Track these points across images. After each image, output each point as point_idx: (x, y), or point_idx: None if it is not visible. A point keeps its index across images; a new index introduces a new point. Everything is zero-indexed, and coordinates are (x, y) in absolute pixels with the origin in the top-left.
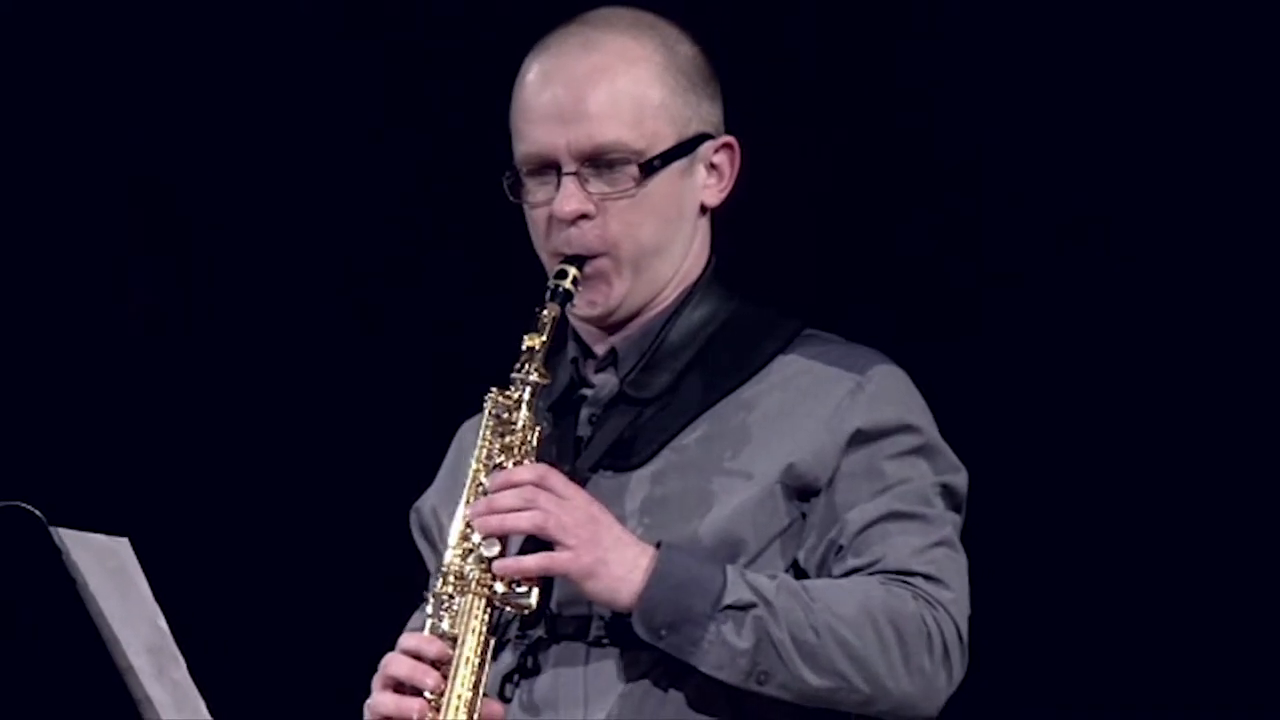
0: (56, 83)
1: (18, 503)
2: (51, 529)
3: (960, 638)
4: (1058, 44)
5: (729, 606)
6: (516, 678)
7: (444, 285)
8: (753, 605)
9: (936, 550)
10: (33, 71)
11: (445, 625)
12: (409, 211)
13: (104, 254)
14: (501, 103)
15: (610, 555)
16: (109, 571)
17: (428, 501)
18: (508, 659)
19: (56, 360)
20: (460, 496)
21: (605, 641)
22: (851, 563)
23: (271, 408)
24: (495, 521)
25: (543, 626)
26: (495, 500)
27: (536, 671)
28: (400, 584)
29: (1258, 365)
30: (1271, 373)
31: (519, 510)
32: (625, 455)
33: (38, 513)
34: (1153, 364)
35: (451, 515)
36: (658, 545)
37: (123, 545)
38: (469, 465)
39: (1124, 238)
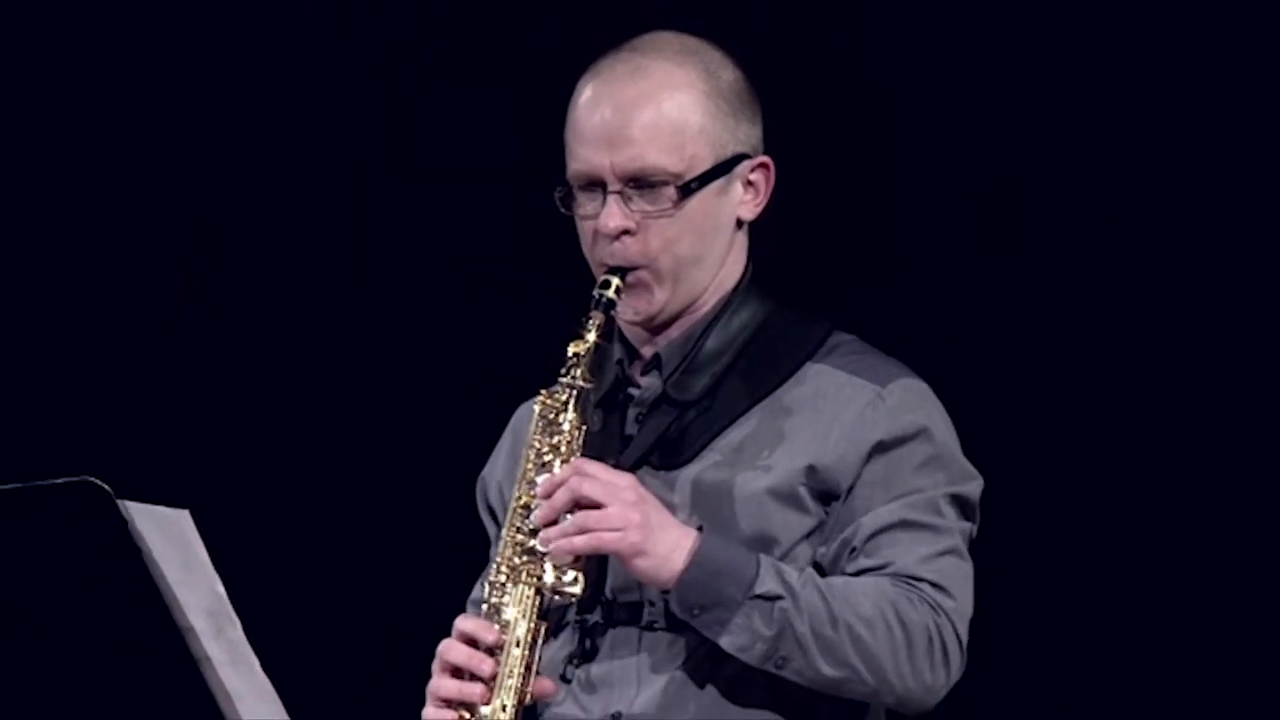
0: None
1: (88, 477)
2: (118, 502)
3: (959, 642)
4: (1062, 48)
5: (758, 596)
6: (575, 659)
7: (492, 274)
8: (780, 597)
9: (943, 559)
10: (76, 80)
11: (499, 612)
12: (469, 203)
13: (160, 243)
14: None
15: (655, 535)
16: (171, 541)
17: (494, 478)
18: (568, 642)
19: (125, 350)
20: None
21: (657, 626)
22: (863, 563)
23: (325, 391)
24: (554, 520)
25: (599, 612)
26: (553, 501)
27: (594, 653)
28: (455, 555)
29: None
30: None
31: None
32: (670, 454)
33: (106, 487)
34: (1145, 364)
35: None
36: (699, 529)
37: (184, 516)
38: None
39: (1128, 240)
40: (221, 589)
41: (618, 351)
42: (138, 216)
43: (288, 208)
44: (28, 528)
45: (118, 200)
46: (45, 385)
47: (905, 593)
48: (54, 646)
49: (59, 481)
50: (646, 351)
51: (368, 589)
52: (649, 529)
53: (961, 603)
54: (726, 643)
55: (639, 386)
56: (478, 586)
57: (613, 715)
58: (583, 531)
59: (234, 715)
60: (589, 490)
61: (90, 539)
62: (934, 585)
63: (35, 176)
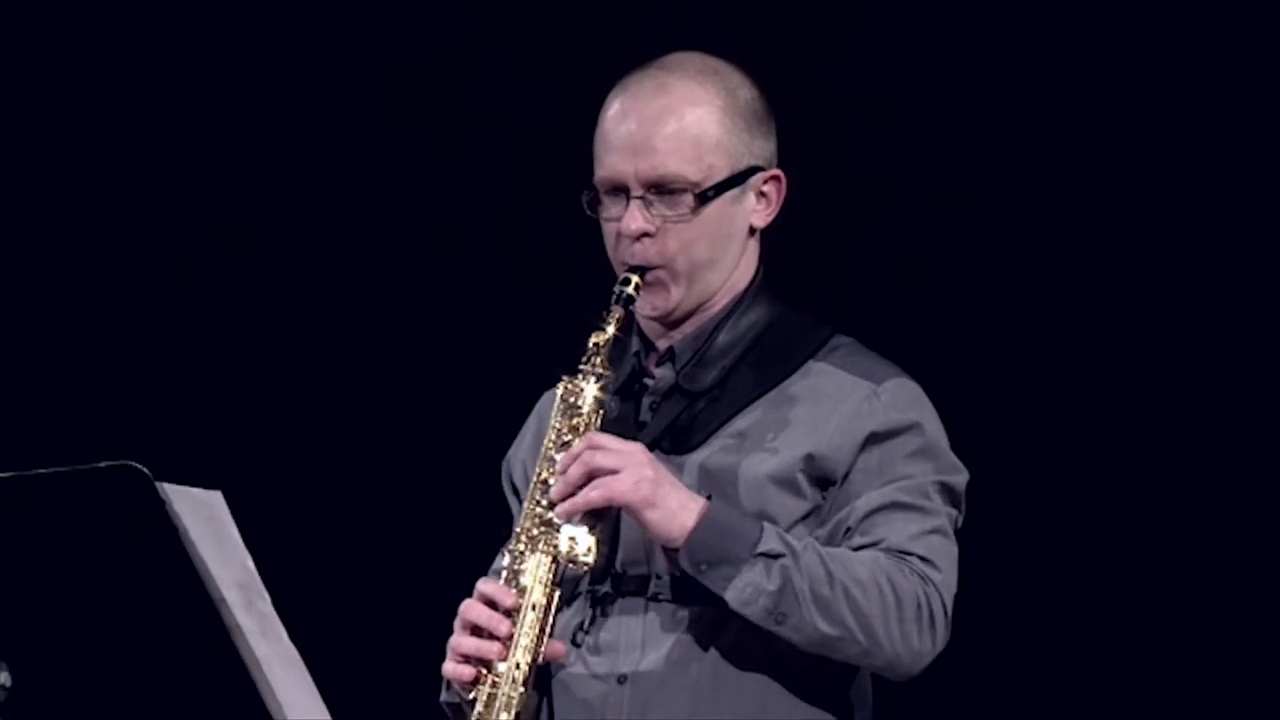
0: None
1: (128, 462)
2: (156, 484)
3: (945, 612)
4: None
5: (762, 554)
6: (585, 625)
7: (518, 271)
8: (782, 555)
9: (931, 537)
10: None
11: (518, 578)
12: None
13: (196, 236)
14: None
15: (666, 490)
16: (205, 520)
17: (518, 459)
18: (579, 611)
19: (163, 344)
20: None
21: (662, 597)
22: (857, 540)
23: (354, 380)
24: (570, 493)
25: (609, 583)
26: (568, 475)
27: (603, 621)
28: (479, 532)
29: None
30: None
31: (586, 471)
32: (680, 440)
33: (145, 470)
34: (1127, 369)
35: None
36: (708, 497)
37: (216, 497)
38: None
39: (1115, 246)
40: (251, 564)
41: (635, 344)
42: (171, 209)
43: (323, 199)
44: (73, 508)
45: (151, 192)
46: (89, 377)
47: (897, 564)
48: (97, 619)
49: (102, 465)
50: (661, 345)
51: (394, 561)
52: (660, 484)
53: (948, 576)
54: (731, 597)
55: (653, 377)
56: (499, 558)
57: (619, 677)
58: (596, 488)
59: (263, 681)
60: (601, 460)
61: (131, 518)
62: (922, 559)
63: (77, 169)
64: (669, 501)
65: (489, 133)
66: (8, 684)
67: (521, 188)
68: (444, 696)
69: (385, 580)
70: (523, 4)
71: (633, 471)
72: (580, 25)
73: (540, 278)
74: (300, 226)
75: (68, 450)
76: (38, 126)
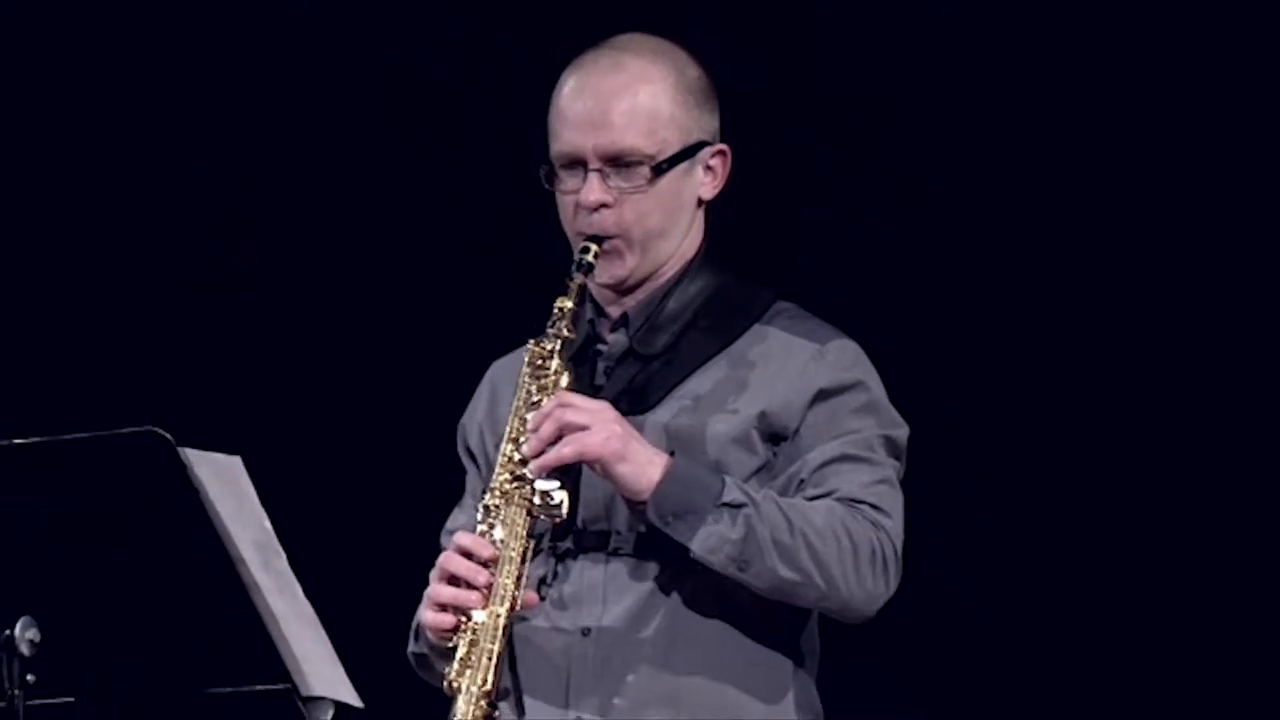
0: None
1: (152, 428)
2: (179, 448)
3: (897, 556)
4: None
5: (725, 504)
6: (548, 581)
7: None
8: (744, 505)
9: (880, 486)
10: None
11: (493, 531)
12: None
13: (207, 221)
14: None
15: (634, 445)
16: (224, 483)
17: (474, 423)
18: (542, 566)
19: (185, 317)
20: (503, 428)
21: (622, 552)
22: (810, 492)
23: (355, 362)
24: (542, 450)
25: (571, 540)
26: (540, 432)
27: (565, 576)
28: (449, 495)
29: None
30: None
31: (558, 428)
32: (636, 401)
33: (167, 435)
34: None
35: (496, 442)
36: (671, 453)
37: (235, 462)
38: (508, 398)
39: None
40: (269, 525)
41: (589, 312)
42: (175, 204)
43: (323, 198)
44: (100, 472)
45: (156, 188)
46: (116, 347)
47: (850, 512)
48: (122, 577)
49: (127, 431)
50: (614, 312)
51: (401, 524)
52: (628, 440)
53: (897, 523)
54: (697, 546)
55: (607, 343)
56: (451, 518)
57: (582, 629)
58: (569, 444)
59: (279, 636)
60: (572, 416)
61: (154, 481)
62: (874, 507)
63: (90, 166)
64: (638, 456)
65: (489, 133)
66: (37, 640)
67: (521, 187)
68: (412, 647)
69: (395, 541)
70: (522, 4)
71: (603, 428)
72: (580, 25)
73: (540, 277)
74: (300, 225)
75: (96, 417)
76: (40, 125)
